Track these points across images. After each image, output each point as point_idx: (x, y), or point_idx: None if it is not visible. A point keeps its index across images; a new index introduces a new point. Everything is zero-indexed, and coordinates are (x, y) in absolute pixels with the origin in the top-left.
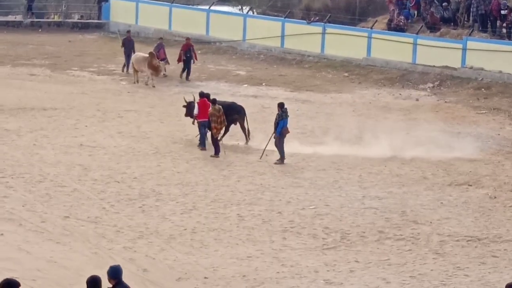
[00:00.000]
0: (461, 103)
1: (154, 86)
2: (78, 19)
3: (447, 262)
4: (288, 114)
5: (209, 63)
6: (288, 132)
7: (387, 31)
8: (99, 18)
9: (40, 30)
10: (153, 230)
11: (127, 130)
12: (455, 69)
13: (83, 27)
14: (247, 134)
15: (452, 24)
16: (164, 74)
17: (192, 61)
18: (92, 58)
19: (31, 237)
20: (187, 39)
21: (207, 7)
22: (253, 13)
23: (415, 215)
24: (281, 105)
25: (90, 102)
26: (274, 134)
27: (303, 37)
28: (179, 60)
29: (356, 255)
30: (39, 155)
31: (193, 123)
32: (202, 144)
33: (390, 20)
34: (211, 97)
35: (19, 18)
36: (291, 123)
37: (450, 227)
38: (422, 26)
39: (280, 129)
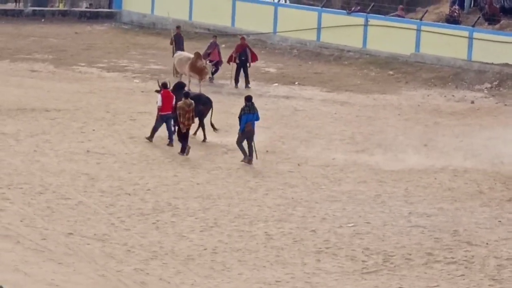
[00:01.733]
0: None
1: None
2: (86, 7)
3: None
4: (256, 109)
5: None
6: (251, 129)
7: (439, 23)
8: (110, 7)
9: (43, 20)
10: (169, 250)
11: (140, 135)
12: None
13: (92, 17)
14: (206, 129)
15: None
16: (210, 78)
17: (248, 64)
18: (102, 53)
19: (30, 257)
20: (242, 38)
21: None
22: (285, 1)
23: (468, 235)
24: (247, 98)
25: (99, 103)
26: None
27: (343, 29)
28: (229, 61)
29: (401, 281)
30: (40, 162)
31: (157, 116)
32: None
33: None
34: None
35: (20, 6)
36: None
37: (510, 249)
38: (479, 18)
39: (243, 125)
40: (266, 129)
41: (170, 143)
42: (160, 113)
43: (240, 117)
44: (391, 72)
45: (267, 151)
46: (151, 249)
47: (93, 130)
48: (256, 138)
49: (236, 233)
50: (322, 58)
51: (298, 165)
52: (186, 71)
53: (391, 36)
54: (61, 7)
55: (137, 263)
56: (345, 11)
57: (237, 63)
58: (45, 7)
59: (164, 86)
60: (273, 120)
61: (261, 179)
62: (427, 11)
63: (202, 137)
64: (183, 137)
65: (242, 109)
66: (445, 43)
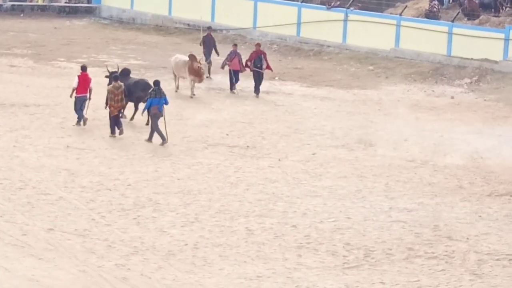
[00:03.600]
0: (503, 102)
1: (194, 95)
2: (66, 2)
3: (486, 285)
4: (164, 94)
5: (214, 54)
6: (157, 113)
7: (418, 19)
8: (89, 2)
9: (22, 15)
10: (150, 245)
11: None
12: (496, 62)
13: (71, 12)
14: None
15: (493, 10)
16: (207, 76)
17: (261, 71)
18: (81, 48)
19: (10, 252)
20: (257, 45)
21: None
22: None
23: (449, 230)
24: (155, 83)
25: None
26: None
27: (322, 24)
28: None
29: (382, 276)
30: (19, 158)
31: (70, 96)
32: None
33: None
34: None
35: None
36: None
37: (490, 244)
38: (458, 13)
39: (148, 108)
40: (246, 124)
41: (78, 123)
42: (76, 95)
43: (145, 100)
44: (371, 67)
45: (247, 146)
46: (132, 244)
47: (73, 125)
48: (236, 133)
49: (217, 228)
50: (302, 53)
51: (279, 160)
52: (186, 74)
53: (370, 31)
54: (40, 2)
55: (118, 258)
56: (325, 6)
57: (252, 70)
58: (24, 2)
59: (82, 69)
60: (254, 115)
61: (241, 174)
62: (406, 6)
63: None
64: (114, 120)
65: (149, 93)
66: (424, 38)
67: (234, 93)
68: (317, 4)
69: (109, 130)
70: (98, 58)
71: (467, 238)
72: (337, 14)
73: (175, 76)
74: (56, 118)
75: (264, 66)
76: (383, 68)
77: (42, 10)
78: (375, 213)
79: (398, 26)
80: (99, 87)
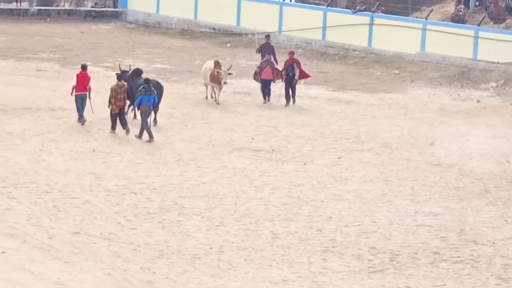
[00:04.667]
0: None
1: (218, 103)
2: (92, 7)
3: None
4: (154, 91)
5: (240, 58)
6: (147, 109)
7: (444, 22)
8: (115, 6)
9: (48, 19)
10: (175, 249)
11: (145, 134)
12: None
13: (97, 16)
14: (155, 113)
15: None
16: (225, 82)
17: (294, 80)
18: (107, 52)
19: (36, 256)
20: (291, 53)
21: None
22: (290, 0)
23: (475, 234)
24: (145, 80)
25: (104, 102)
26: None
27: (348, 28)
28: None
29: (407, 280)
30: (46, 162)
31: (71, 94)
32: (79, 117)
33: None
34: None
35: (24, 5)
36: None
37: None
38: (484, 17)
39: (138, 105)
40: (272, 128)
41: (80, 120)
42: (75, 93)
43: (136, 97)
44: (396, 71)
45: (273, 150)
46: (158, 248)
47: (99, 129)
48: (261, 137)
49: (242, 232)
50: (328, 57)
51: (304, 164)
52: (208, 81)
53: (396, 35)
54: (67, 6)
55: (143, 262)
56: (350, 10)
57: (284, 80)
58: (50, 7)
59: (82, 68)
60: (279, 119)
61: (267, 178)
62: (432, 10)
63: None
64: (115, 117)
65: (139, 90)
66: (450, 42)
67: (266, 103)
68: (343, 8)
69: (112, 127)
70: (124, 62)
71: (493, 243)
72: (363, 18)
73: (205, 84)
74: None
75: (297, 75)
76: (409, 72)
77: (69, 15)
78: (400, 217)
79: (424, 30)
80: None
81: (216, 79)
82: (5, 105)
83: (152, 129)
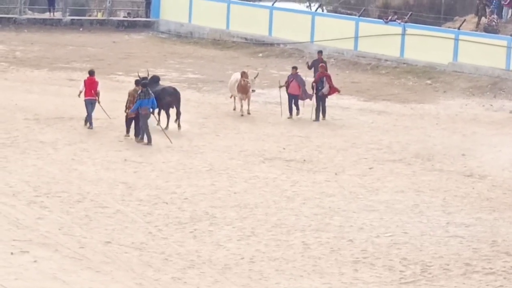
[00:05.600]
0: None
1: (248, 113)
2: (124, 17)
3: None
4: (152, 95)
5: (272, 68)
6: (147, 113)
7: (476, 33)
8: (147, 16)
9: (81, 29)
10: (206, 259)
11: (177, 144)
12: None
13: (130, 26)
14: (179, 119)
15: None
16: (253, 90)
17: (322, 94)
18: (139, 62)
19: (68, 265)
20: (321, 67)
21: (270, 4)
22: (322, 11)
23: (507, 245)
24: (143, 85)
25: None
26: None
27: (380, 38)
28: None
29: None
30: (78, 171)
31: (79, 95)
32: (89, 122)
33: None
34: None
35: (58, 15)
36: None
37: None
38: None
39: (136, 109)
40: (303, 138)
41: (90, 126)
42: (84, 98)
43: (134, 102)
44: (428, 82)
45: (304, 160)
46: (189, 258)
47: (130, 139)
48: (293, 147)
49: (274, 242)
50: (360, 67)
51: (335, 174)
52: (235, 93)
53: (428, 46)
54: (100, 16)
55: (174, 271)
56: (382, 21)
57: (314, 94)
58: (83, 16)
59: (89, 73)
60: (310, 129)
61: (298, 188)
62: (465, 20)
63: (177, 128)
64: (130, 121)
65: (138, 95)
66: (483, 52)
67: (290, 118)
68: (375, 18)
69: (129, 131)
70: (156, 72)
71: None
72: (395, 28)
73: (232, 95)
74: (114, 131)
75: (326, 89)
76: (441, 82)
77: (101, 25)
78: (432, 228)
79: (456, 40)
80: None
81: (243, 89)
82: (37, 114)
83: (182, 137)
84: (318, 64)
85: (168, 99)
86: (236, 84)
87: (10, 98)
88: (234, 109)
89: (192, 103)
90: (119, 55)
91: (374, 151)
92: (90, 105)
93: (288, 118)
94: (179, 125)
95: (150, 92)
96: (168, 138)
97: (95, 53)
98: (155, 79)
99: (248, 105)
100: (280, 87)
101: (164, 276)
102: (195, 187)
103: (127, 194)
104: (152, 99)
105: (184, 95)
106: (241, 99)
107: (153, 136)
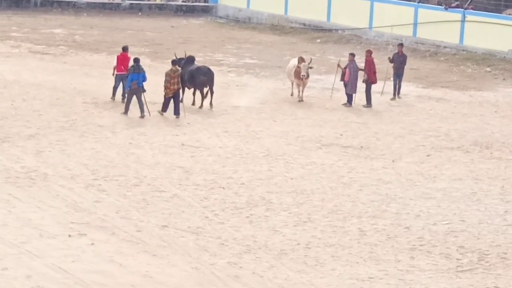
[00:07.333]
0: None
1: (301, 100)
2: (183, 1)
3: None
4: (143, 70)
5: (330, 54)
6: (136, 87)
7: None
8: (205, 1)
9: (139, 13)
10: (262, 244)
11: (234, 129)
12: None
13: (188, 11)
14: (211, 97)
15: None
16: (302, 75)
17: (364, 81)
18: (198, 46)
19: (125, 248)
20: (368, 51)
21: None
22: None
23: None
24: (135, 60)
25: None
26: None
27: (439, 25)
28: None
29: (496, 280)
30: (135, 155)
31: (113, 74)
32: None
33: None
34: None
35: (117, 0)
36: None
37: None
38: None
39: (130, 83)
40: (361, 124)
41: (112, 97)
42: (116, 72)
43: (127, 76)
44: (488, 69)
45: (361, 146)
46: (245, 243)
47: (188, 123)
48: (350, 133)
49: (330, 228)
50: (418, 54)
51: (393, 161)
52: (292, 78)
53: (488, 33)
54: (158, 1)
55: (230, 256)
56: (442, 7)
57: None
58: (142, 1)
59: (123, 49)
60: (368, 115)
61: (355, 175)
62: None
63: (209, 107)
64: (168, 100)
65: (129, 69)
66: None
67: (346, 106)
68: (434, 4)
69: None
70: (213, 57)
71: None
72: (454, 15)
73: (290, 80)
74: (171, 116)
75: (365, 76)
76: (501, 69)
77: (160, 9)
78: (490, 216)
79: None
80: (214, 86)
81: (297, 75)
82: (96, 98)
83: (239, 122)
84: (398, 58)
85: (202, 78)
86: (294, 70)
87: (69, 82)
88: (292, 95)
89: (249, 88)
90: (177, 39)
91: (432, 139)
92: (120, 80)
93: (342, 104)
94: (211, 104)
95: (141, 66)
96: (148, 111)
97: (153, 38)
98: (191, 59)
99: (302, 91)
100: (338, 66)
101: (220, 260)
102: (252, 172)
103: (184, 178)
104: (143, 74)
105: (242, 80)
106: (298, 85)
107: (194, 117)
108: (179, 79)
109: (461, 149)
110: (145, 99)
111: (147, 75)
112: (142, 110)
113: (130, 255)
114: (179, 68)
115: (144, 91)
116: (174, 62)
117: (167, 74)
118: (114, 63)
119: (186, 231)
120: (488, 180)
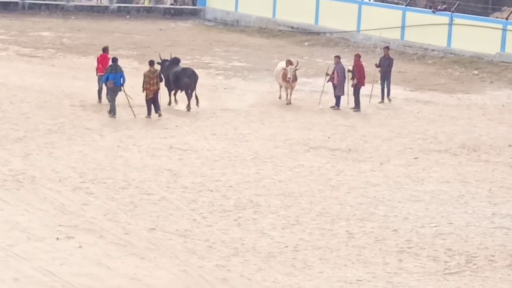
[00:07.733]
0: None
1: (289, 103)
2: (171, 4)
3: None
4: (121, 69)
5: (318, 57)
6: (113, 87)
7: None
8: (194, 4)
9: (127, 16)
10: (250, 247)
11: (222, 132)
12: None
13: (176, 14)
14: (197, 99)
15: None
16: (288, 77)
17: (352, 84)
18: (185, 49)
19: (113, 251)
20: (357, 55)
21: None
22: (369, 0)
23: None
24: (113, 59)
25: (182, 99)
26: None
27: (427, 28)
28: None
29: (484, 282)
30: (123, 158)
31: (96, 75)
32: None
33: None
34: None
35: (105, 2)
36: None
37: None
38: None
39: (105, 82)
40: (348, 127)
41: (99, 100)
42: (98, 73)
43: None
44: (475, 72)
45: (349, 149)
46: (233, 245)
47: (176, 126)
48: (338, 136)
49: (318, 231)
50: (406, 57)
51: (381, 164)
52: (280, 81)
53: (476, 36)
54: (146, 3)
55: (218, 259)
56: (430, 10)
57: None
58: (130, 4)
59: (103, 50)
60: (356, 118)
61: (343, 178)
62: None
63: (196, 108)
64: (150, 103)
65: (106, 69)
66: None
67: (334, 109)
68: (422, 7)
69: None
70: (202, 60)
71: None
72: (442, 18)
73: (278, 83)
74: (159, 119)
75: (355, 80)
76: (488, 72)
77: (148, 12)
78: (477, 219)
79: (504, 30)
80: (203, 89)
81: (284, 77)
82: (83, 101)
83: (227, 125)
84: (385, 61)
85: (186, 80)
86: (281, 73)
87: (57, 85)
88: (280, 98)
89: (237, 91)
90: (165, 42)
91: (420, 141)
92: (101, 80)
93: (331, 107)
94: (188, 106)
95: (119, 66)
96: (133, 112)
97: (141, 41)
98: (176, 61)
99: (290, 94)
100: (327, 75)
101: (208, 263)
102: (240, 175)
103: (172, 181)
104: (121, 74)
105: (230, 83)
106: (286, 88)
107: (182, 120)
108: (158, 79)
109: (449, 152)
110: (129, 100)
111: (133, 77)
112: (111, 108)
113: (118, 258)
114: (157, 69)
115: (120, 90)
116: (151, 63)
117: (145, 75)
118: (95, 64)
119: (174, 234)
120: (476, 182)
